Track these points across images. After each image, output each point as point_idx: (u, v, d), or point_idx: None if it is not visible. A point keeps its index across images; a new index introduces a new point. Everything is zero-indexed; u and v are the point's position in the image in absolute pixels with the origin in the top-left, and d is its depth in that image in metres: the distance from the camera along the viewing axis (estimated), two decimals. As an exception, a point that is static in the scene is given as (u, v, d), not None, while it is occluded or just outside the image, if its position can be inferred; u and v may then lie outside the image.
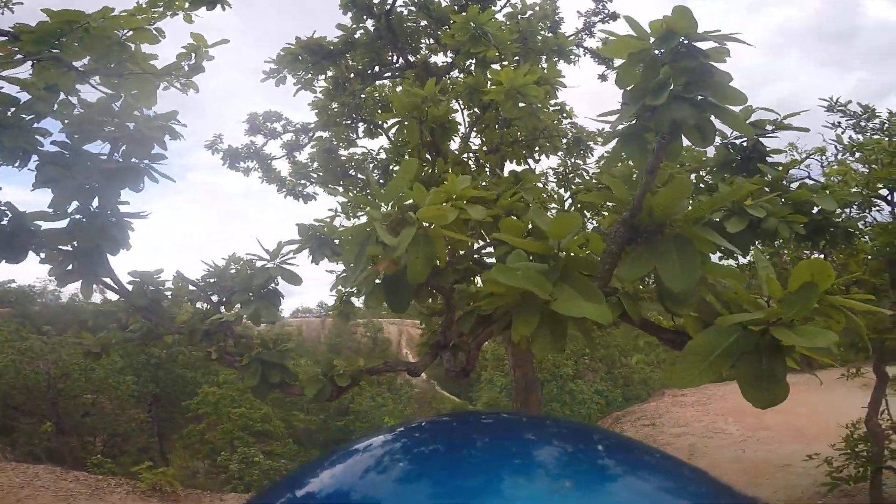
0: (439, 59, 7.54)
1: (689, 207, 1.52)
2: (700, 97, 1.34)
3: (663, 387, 13.32)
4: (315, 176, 7.67)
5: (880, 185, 3.40)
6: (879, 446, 4.31)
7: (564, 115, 6.26)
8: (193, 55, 3.13)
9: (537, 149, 4.80)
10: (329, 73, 7.48)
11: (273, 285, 2.53)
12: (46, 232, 2.27)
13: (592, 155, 7.27)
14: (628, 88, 1.44)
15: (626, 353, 17.49)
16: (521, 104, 3.14)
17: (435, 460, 0.71)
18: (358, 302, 4.10)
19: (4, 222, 2.23)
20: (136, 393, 19.73)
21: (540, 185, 4.60)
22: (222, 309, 2.75)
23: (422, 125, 3.49)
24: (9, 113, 2.27)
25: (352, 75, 7.78)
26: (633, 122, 1.49)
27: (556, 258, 1.46)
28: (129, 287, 2.50)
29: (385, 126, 6.36)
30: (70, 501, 7.06)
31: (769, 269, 1.35)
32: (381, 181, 6.26)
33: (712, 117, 1.40)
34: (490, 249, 2.45)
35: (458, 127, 3.95)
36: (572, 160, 7.28)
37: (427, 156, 4.00)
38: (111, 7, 2.42)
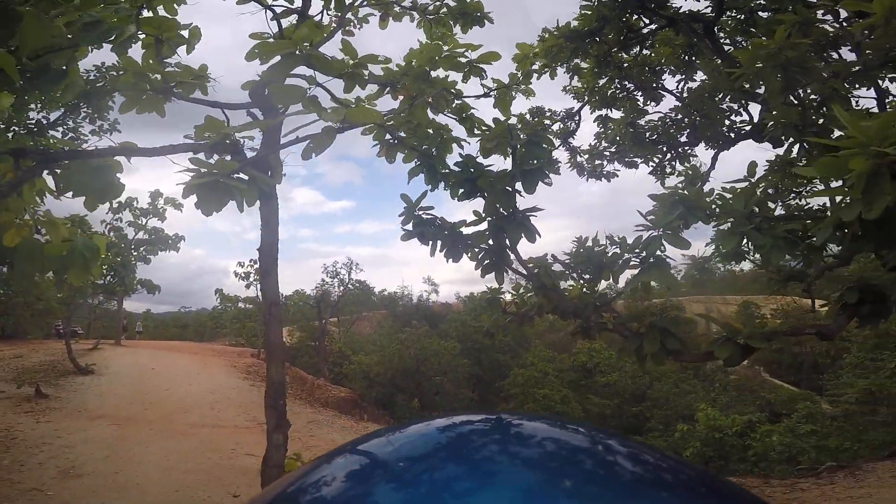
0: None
1: None
2: None
3: None
4: (608, 154, 7.71)
5: None
6: None
7: None
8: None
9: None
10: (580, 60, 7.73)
11: (660, 251, 2.57)
12: (472, 235, 2.99)
13: None
14: None
15: None
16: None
17: (437, 463, 0.68)
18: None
19: (446, 233, 3.09)
20: (467, 374, 24.20)
21: None
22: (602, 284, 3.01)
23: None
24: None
25: (613, 49, 7.63)
26: None
27: None
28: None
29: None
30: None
31: None
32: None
33: None
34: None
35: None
36: None
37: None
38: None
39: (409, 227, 3.13)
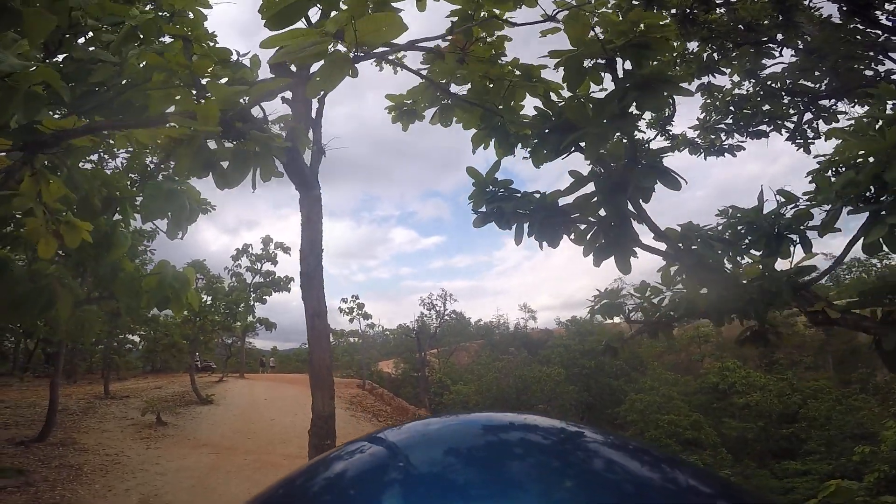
0: None
1: None
2: None
3: None
4: (725, 126, 6.24)
5: None
6: None
7: None
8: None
9: None
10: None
11: None
12: (574, 204, 2.07)
13: None
14: None
15: None
16: None
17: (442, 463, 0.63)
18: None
19: (533, 207, 2.21)
20: (575, 402, 22.32)
21: None
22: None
23: None
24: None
25: (693, 9, 6.32)
26: None
27: None
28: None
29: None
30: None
31: None
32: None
33: None
34: None
35: None
36: None
37: None
38: None
39: (483, 209, 2.31)
